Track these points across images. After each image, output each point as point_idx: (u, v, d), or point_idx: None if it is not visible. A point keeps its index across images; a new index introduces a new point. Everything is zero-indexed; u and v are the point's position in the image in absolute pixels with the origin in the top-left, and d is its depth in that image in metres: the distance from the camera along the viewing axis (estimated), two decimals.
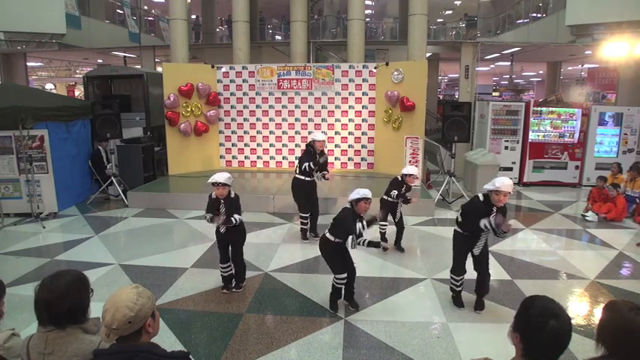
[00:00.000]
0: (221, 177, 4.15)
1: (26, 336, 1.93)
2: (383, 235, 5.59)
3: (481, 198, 3.85)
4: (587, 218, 7.15)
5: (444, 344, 3.54)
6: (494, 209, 3.74)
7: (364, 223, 3.86)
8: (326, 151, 6.24)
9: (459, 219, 4.02)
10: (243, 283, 4.52)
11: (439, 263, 5.18)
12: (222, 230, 4.28)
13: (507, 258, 5.43)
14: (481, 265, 4.02)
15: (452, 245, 4.16)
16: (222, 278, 4.45)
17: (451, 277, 4.15)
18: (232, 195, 4.27)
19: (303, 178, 5.84)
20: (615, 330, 1.65)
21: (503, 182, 3.66)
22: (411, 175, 5.29)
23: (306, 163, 5.76)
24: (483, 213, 3.75)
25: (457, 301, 4.17)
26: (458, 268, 4.07)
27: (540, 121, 9.55)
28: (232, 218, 4.19)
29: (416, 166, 8.26)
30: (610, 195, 7.14)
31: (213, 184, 4.16)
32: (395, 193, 5.29)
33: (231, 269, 4.44)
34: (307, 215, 5.99)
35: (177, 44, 10.81)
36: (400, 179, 5.36)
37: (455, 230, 4.10)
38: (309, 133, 9.56)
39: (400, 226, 5.59)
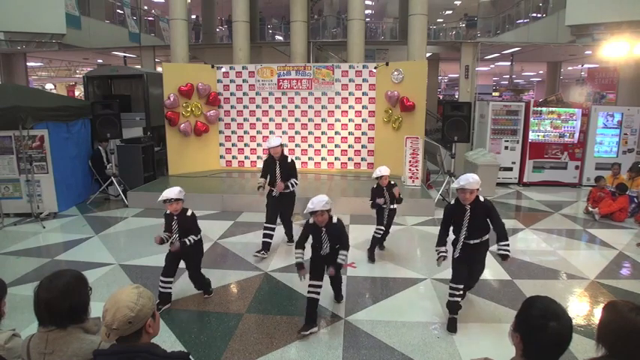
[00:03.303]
0: (172, 192, 3.88)
1: (27, 336, 1.93)
2: (378, 239, 5.39)
3: (452, 201, 3.83)
4: (592, 210, 7.24)
5: (444, 344, 3.54)
6: (468, 207, 3.68)
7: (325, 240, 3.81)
8: (289, 158, 5.56)
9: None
10: (210, 290, 4.34)
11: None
12: (172, 249, 3.99)
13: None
14: (473, 275, 3.97)
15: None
16: (160, 294, 4.04)
17: (450, 286, 3.93)
18: (188, 214, 4.00)
19: (270, 188, 5.52)
20: (615, 330, 1.65)
21: (468, 180, 3.60)
22: (380, 177, 5.11)
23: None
24: (450, 215, 3.79)
25: (451, 324, 3.85)
26: (455, 276, 3.87)
27: (540, 121, 9.55)
28: (187, 240, 3.93)
29: (416, 167, 8.28)
30: (614, 195, 7.18)
31: (165, 201, 3.89)
32: (381, 200, 5.19)
33: (171, 286, 4.12)
34: (272, 226, 5.50)
35: (177, 44, 10.80)
36: (377, 186, 5.21)
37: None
38: (310, 133, 9.60)
39: (386, 230, 5.41)
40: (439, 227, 3.99)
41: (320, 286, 3.79)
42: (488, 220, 3.77)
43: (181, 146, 9.38)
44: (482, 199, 3.73)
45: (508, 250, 3.77)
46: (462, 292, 3.91)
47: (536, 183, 9.64)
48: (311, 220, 3.79)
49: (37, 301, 1.82)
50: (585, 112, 9.50)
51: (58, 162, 7.24)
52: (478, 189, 3.67)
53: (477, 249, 3.82)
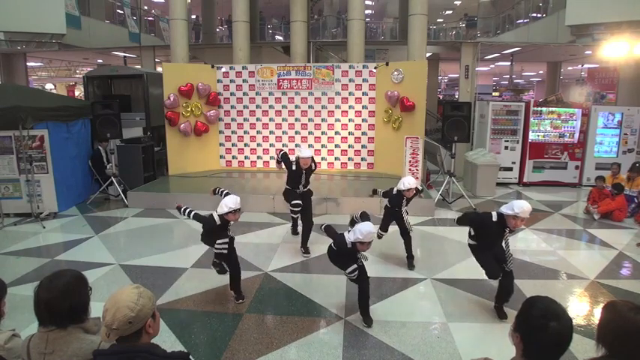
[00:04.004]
0: (237, 202, 4.02)
1: (27, 336, 1.93)
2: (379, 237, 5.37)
3: (494, 218, 3.77)
4: (591, 210, 7.24)
5: (444, 344, 3.54)
6: (507, 230, 3.76)
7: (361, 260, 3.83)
8: (314, 166, 5.68)
9: (472, 233, 4.01)
10: (242, 295, 4.31)
11: (439, 263, 5.19)
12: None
13: None
14: (506, 281, 3.97)
15: (473, 255, 4.11)
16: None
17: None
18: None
19: (291, 188, 5.60)
20: (615, 330, 1.65)
21: (523, 208, 3.60)
22: (408, 189, 4.84)
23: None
24: (494, 234, 3.78)
25: (500, 312, 4.00)
26: (492, 271, 3.92)
27: (540, 121, 9.55)
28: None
29: (416, 167, 8.27)
30: (612, 194, 7.18)
31: (234, 211, 3.98)
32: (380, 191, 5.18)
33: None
34: (298, 206, 5.56)
35: (177, 44, 10.80)
36: (397, 193, 4.96)
37: (469, 244, 4.07)
38: (310, 133, 9.60)
39: (406, 237, 5.10)
40: (473, 239, 4.02)
41: None
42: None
43: (181, 146, 9.38)
44: None
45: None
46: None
47: (536, 183, 9.64)
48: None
49: (37, 301, 1.82)
50: (585, 112, 9.50)
51: (58, 162, 7.24)
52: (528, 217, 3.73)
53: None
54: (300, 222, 5.78)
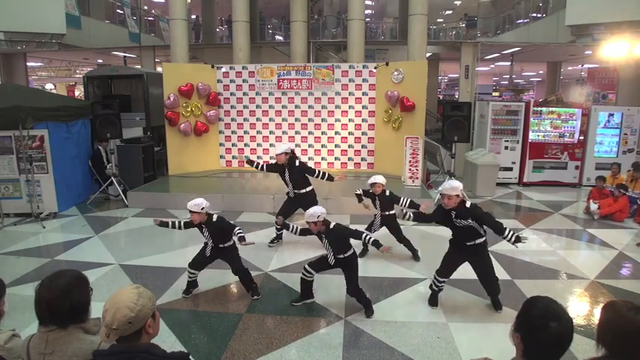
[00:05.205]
0: (190, 204, 4.01)
1: (27, 336, 1.93)
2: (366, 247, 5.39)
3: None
4: (591, 208, 7.22)
5: (444, 344, 3.54)
6: (453, 213, 3.81)
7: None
8: (297, 162, 5.57)
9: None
10: (257, 291, 4.35)
11: (439, 263, 5.17)
12: (207, 253, 4.23)
13: (507, 258, 5.43)
14: (483, 277, 4.04)
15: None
16: (189, 283, 4.34)
17: (434, 277, 4.16)
18: (214, 219, 4.13)
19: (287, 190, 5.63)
20: (614, 330, 1.65)
21: (445, 186, 3.77)
22: (374, 184, 5.08)
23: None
24: (440, 215, 3.93)
25: (432, 299, 4.18)
26: (442, 270, 4.10)
27: (540, 121, 9.55)
28: (240, 236, 4.10)
29: (416, 167, 8.28)
30: (614, 195, 7.16)
31: (190, 211, 4.03)
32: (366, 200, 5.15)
33: (197, 275, 4.33)
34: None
35: (177, 44, 10.80)
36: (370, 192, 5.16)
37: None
38: (310, 133, 9.60)
39: (404, 241, 5.32)
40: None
41: (313, 274, 4.08)
42: (477, 223, 3.86)
43: (181, 146, 9.38)
44: (468, 204, 3.85)
45: (512, 238, 3.84)
46: (442, 287, 4.14)
47: (536, 183, 9.64)
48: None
49: (37, 301, 1.82)
50: (585, 112, 9.50)
51: (58, 162, 7.24)
52: (457, 195, 3.76)
53: (473, 250, 3.95)
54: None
